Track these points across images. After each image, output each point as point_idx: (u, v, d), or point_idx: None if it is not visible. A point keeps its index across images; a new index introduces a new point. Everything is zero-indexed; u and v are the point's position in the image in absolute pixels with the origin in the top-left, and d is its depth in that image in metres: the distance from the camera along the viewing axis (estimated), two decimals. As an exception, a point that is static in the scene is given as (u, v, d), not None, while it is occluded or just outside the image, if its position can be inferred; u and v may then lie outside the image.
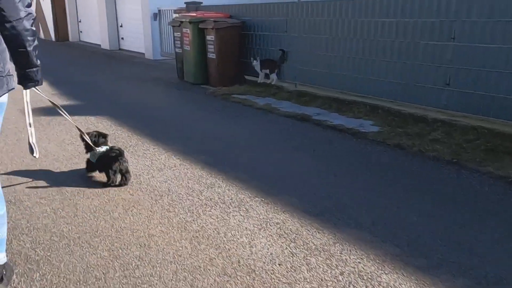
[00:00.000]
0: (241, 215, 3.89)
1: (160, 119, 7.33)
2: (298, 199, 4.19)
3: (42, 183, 4.67)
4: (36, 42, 2.84)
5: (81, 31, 23.11)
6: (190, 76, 10.60)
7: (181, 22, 10.50)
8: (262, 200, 4.19)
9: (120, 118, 7.25)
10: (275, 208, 4.02)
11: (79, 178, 4.79)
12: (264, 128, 6.84)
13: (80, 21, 22.96)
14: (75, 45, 21.28)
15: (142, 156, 5.49)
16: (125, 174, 4.55)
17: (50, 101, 4.39)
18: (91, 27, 21.30)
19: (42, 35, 25.38)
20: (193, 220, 3.81)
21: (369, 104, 7.56)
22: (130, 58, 15.97)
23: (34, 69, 2.90)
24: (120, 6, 18.29)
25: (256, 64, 9.56)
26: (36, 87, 3.10)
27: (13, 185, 4.60)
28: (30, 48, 2.78)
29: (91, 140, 4.71)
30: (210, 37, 9.90)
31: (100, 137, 4.84)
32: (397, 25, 6.96)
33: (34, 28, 2.79)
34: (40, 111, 7.82)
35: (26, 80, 2.92)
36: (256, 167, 5.10)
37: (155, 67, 13.55)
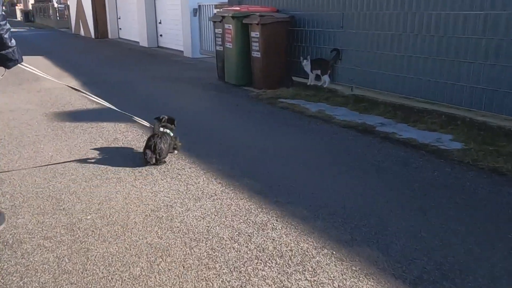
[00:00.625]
0: (306, 278, 2.79)
1: (197, 127, 6.29)
2: (384, 255, 3.04)
3: (50, 215, 3.69)
4: (8, 26, 3.20)
5: (120, 28, 22.48)
6: (231, 77, 9.56)
7: (223, 17, 9.45)
8: (332, 253, 3.06)
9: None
10: (353, 268, 2.89)
11: (96, 210, 3.80)
12: (321, 141, 5.70)
13: (119, 18, 22.33)
14: (114, 43, 20.64)
15: (176, 178, 4.46)
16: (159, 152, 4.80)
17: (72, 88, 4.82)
18: (130, 24, 20.62)
19: (82, 33, 24.97)
20: (241, 286, 2.73)
21: (444, 113, 6.30)
22: (168, 56, 15.09)
23: (10, 49, 3.28)
24: (159, 1, 17.46)
25: (306, 64, 8.42)
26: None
27: (16, 215, 3.65)
28: (2, 32, 3.14)
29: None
30: (254, 34, 8.82)
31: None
32: (485, 19, 5.68)
33: (3, 13, 3.18)
34: (65, 116, 6.93)
35: (7, 61, 3.35)
36: (319, 198, 3.97)
37: (194, 66, 12.59)
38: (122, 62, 13.75)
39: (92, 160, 5.01)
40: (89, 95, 5.34)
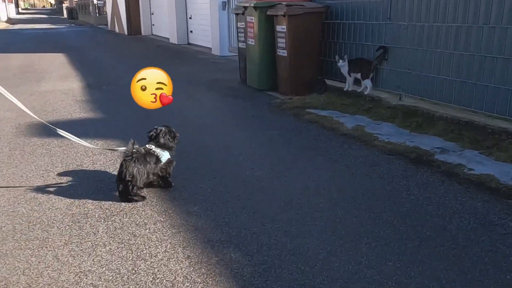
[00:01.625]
0: None
1: (195, 147, 4.71)
2: None
3: None
4: None
5: (153, 24, 21.26)
6: (253, 80, 7.93)
7: (245, 8, 7.83)
8: None
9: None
10: None
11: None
12: (353, 181, 3.95)
13: (152, 14, 21.10)
14: (144, 39, 19.41)
15: (126, 243, 2.88)
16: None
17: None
18: (162, 19, 19.30)
19: (117, 29, 23.97)
20: None
21: (534, 137, 4.46)
22: (195, 54, 13.60)
23: None
24: (189, -5, 16.06)
25: (342, 65, 6.67)
26: None
27: None
28: None
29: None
30: (280, 28, 7.14)
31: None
32: None
33: None
34: (38, 129, 5.51)
35: None
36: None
37: (218, 65, 11.02)
38: (143, 60, 12.37)
39: (25, 205, 3.50)
40: (56, 129, 3.92)
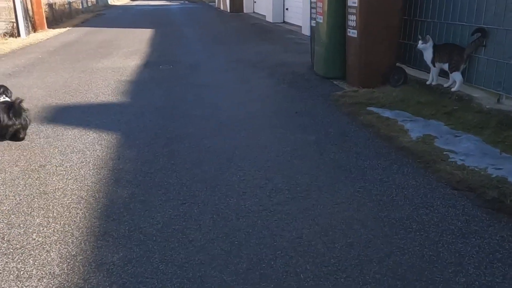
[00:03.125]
0: None
1: (208, 160, 3.63)
2: None
3: None
4: None
5: (255, 1, 20.31)
6: (319, 65, 6.56)
7: (316, -22, 6.46)
8: None
9: (145, 147, 3.81)
10: None
11: None
12: (387, 230, 2.60)
13: (255, -10, 20.17)
14: (243, 17, 18.55)
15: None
16: None
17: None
18: (265, -3, 18.29)
19: (221, 7, 23.46)
20: None
21: None
22: (284, 33, 12.37)
23: None
24: (288, -31, 14.76)
25: (424, 48, 5.07)
26: None
27: None
28: None
29: None
30: (352, 1, 5.69)
31: None
32: None
33: None
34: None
35: None
36: None
37: (300, 47, 9.69)
38: (226, 39, 11.46)
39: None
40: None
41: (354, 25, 5.65)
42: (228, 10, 21.41)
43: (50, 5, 16.39)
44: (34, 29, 13.60)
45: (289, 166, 3.42)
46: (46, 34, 12.69)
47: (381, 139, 3.95)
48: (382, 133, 4.06)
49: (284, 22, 15.35)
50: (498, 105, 4.34)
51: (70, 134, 4.13)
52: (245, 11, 20.70)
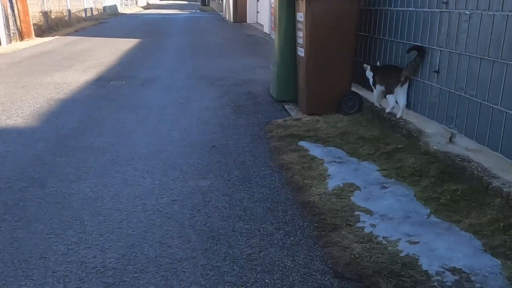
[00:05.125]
0: None
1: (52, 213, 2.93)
2: None
3: None
4: None
5: (258, 12, 19.65)
6: (273, 86, 5.79)
7: (271, -12, 5.72)
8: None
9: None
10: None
11: None
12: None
13: (258, 0, 19.48)
14: (243, 27, 17.88)
15: None
16: None
17: None
18: (265, 7, 17.59)
19: (226, 16, 22.88)
20: None
21: None
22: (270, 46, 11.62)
23: None
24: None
25: (368, 73, 4.31)
26: None
27: None
28: None
29: None
30: (299, 16, 4.92)
31: None
32: None
33: None
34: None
35: None
36: None
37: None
38: (210, 51, 10.76)
39: None
40: None
41: (302, 43, 4.87)
42: (232, 20, 20.81)
43: (44, 13, 16.04)
44: (21, 37, 13.20)
45: (148, 227, 2.66)
46: (29, 43, 12.25)
47: (290, 188, 3.16)
48: (295, 180, 3.26)
49: (280, 33, 14.61)
50: (449, 145, 3.50)
51: None
52: (248, 21, 20.06)
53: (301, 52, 4.92)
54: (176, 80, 7.18)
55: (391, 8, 4.60)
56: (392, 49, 4.57)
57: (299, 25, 4.91)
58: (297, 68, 5.19)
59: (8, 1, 12.67)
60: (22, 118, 4.87)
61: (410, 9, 4.18)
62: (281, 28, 5.31)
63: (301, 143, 3.99)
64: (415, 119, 4.08)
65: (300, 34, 4.89)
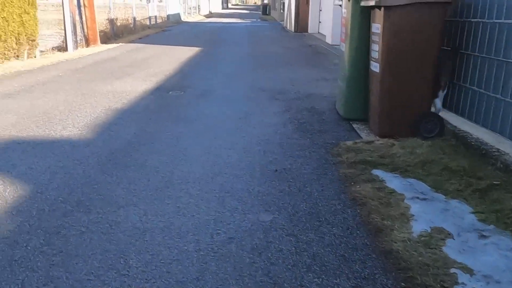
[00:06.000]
0: None
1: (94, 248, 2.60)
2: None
3: None
4: None
5: (320, 22, 19.11)
6: (340, 103, 5.29)
7: (342, -3, 5.24)
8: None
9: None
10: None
11: None
12: None
13: (321, 10, 18.96)
14: (304, 37, 17.40)
15: None
16: None
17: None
18: (328, 17, 17.05)
19: (288, 26, 22.51)
20: None
21: None
22: (335, 57, 11.09)
23: None
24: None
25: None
26: None
27: None
28: None
29: None
30: (375, 27, 4.40)
31: None
32: None
33: None
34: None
35: None
36: None
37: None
38: (269, 61, 10.38)
39: None
40: None
41: (377, 57, 4.35)
42: (293, 30, 20.41)
43: (111, 20, 16.33)
44: (88, 44, 13.42)
45: (200, 273, 2.25)
46: (94, 49, 12.39)
47: (367, 230, 2.66)
48: (372, 220, 2.75)
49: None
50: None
51: (-25, 184, 3.25)
52: (309, 31, 19.57)
53: (375, 67, 4.40)
54: (235, 91, 6.83)
55: (484, 20, 4.00)
56: (483, 67, 3.96)
57: (375, 37, 4.39)
58: (369, 84, 4.66)
59: (76, 8, 12.91)
60: (78, 129, 4.65)
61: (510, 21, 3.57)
62: (352, 40, 4.82)
63: (376, 171, 3.48)
64: (489, 137, 3.46)
65: (375, 47, 4.37)
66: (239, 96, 6.46)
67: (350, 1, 4.75)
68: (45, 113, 5.28)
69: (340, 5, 5.47)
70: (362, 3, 4.54)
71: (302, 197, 3.11)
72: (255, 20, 32.29)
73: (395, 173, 3.44)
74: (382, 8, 4.12)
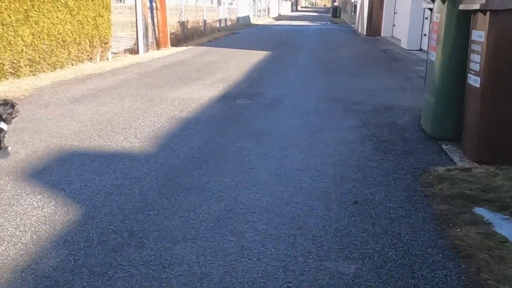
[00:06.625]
0: None
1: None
2: None
3: None
4: None
5: (394, 25, 18.12)
6: (427, 119, 4.61)
7: (433, 0, 4.57)
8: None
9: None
10: None
11: None
12: None
13: (396, 13, 17.97)
14: (376, 41, 16.52)
15: None
16: None
17: None
18: (403, 19, 16.08)
19: (359, 29, 21.64)
20: None
21: None
22: (415, 63, 10.26)
23: None
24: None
25: None
26: None
27: None
28: None
29: None
30: (477, 35, 3.73)
31: None
32: None
33: None
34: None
35: None
36: None
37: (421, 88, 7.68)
38: (340, 68, 9.79)
39: None
40: None
41: (477, 70, 3.68)
42: (364, 33, 19.55)
43: (182, 23, 16.36)
44: (158, 47, 13.45)
45: None
46: (164, 52, 12.36)
47: (477, 297, 2.07)
48: (483, 281, 2.15)
49: (420, 49, 13.10)
50: None
51: (24, 203, 2.99)
52: (382, 34, 18.64)
53: (474, 80, 3.73)
54: (305, 100, 6.33)
55: None
56: None
57: (475, 47, 3.72)
58: (464, 100, 3.99)
59: (149, 11, 12.96)
60: (139, 141, 4.35)
61: None
62: (446, 49, 4.16)
63: (479, 210, 2.85)
64: None
65: (476, 58, 3.70)
66: (310, 107, 5.95)
67: (445, 4, 4.09)
68: (109, 121, 5.06)
69: (430, 9, 4.78)
70: (461, 7, 3.89)
71: (389, 241, 2.56)
72: (324, 22, 31.54)
73: (504, 214, 2.80)
74: (488, 13, 3.46)
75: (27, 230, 2.62)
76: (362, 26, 20.72)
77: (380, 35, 18.62)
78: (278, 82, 7.79)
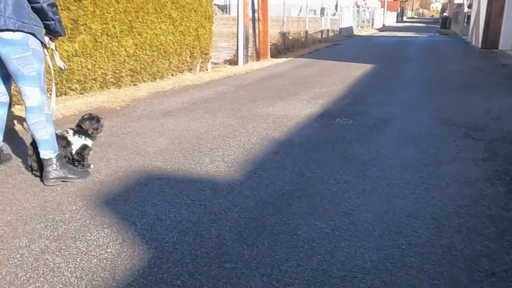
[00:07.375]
0: None
1: None
2: None
3: None
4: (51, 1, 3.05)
5: (515, 36, 16.15)
6: None
7: None
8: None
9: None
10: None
11: None
12: None
13: (518, 23, 16.01)
14: (495, 55, 14.77)
15: None
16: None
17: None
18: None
19: (473, 41, 19.71)
20: None
21: None
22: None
23: (52, 22, 3.16)
24: None
25: None
26: None
27: None
28: (44, 4, 3.04)
29: None
30: None
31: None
32: None
33: None
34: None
35: (50, 31, 3.25)
36: None
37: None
38: (453, 85, 8.66)
39: None
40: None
41: None
42: (479, 46, 17.70)
43: (283, 34, 15.99)
44: (258, 58, 13.19)
45: None
46: (263, 64, 12.04)
47: None
48: None
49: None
50: None
51: (90, 238, 2.61)
52: (500, 47, 16.70)
53: None
54: (415, 123, 5.47)
55: None
56: None
57: None
58: None
59: (251, 23, 12.74)
60: (226, 165, 3.88)
61: None
62: None
63: None
64: None
65: None
66: (421, 131, 5.10)
67: None
68: (197, 138, 4.67)
69: None
70: None
71: None
72: (432, 34, 29.51)
73: None
74: None
75: (83, 277, 2.21)
76: (476, 37, 18.83)
77: (497, 48, 16.72)
78: (382, 99, 6.98)
